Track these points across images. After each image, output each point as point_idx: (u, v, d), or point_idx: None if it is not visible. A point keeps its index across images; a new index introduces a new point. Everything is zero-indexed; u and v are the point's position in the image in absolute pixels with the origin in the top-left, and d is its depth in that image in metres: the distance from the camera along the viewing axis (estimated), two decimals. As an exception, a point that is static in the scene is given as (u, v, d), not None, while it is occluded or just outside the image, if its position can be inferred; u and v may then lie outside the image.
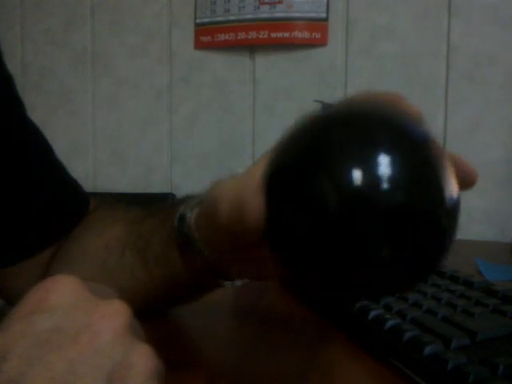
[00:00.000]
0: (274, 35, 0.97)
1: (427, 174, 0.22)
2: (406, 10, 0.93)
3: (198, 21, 1.03)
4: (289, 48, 0.99)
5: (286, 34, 0.97)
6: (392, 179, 0.21)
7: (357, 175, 0.21)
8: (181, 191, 1.02)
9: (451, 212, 0.23)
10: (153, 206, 0.42)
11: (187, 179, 1.05)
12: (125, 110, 1.09)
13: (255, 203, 0.25)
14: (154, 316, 0.44)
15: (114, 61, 1.09)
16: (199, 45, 1.04)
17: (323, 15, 0.96)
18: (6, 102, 0.46)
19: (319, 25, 0.96)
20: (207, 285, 0.40)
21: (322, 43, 0.97)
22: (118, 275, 0.41)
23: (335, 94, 0.96)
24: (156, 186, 1.06)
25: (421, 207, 0.22)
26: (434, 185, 0.22)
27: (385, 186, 0.21)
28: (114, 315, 0.22)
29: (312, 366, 0.35)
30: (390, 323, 0.37)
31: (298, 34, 0.97)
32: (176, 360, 0.35)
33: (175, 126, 1.07)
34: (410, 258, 0.22)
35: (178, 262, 0.37)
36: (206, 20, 1.02)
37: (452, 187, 0.23)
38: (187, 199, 0.38)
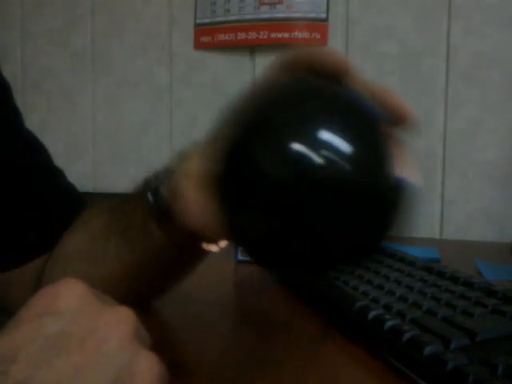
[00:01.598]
0: (273, 35, 0.97)
1: (367, 151, 0.23)
2: (405, 11, 0.93)
3: (198, 21, 1.03)
4: (289, 48, 0.99)
5: (286, 35, 0.97)
6: (332, 154, 0.22)
7: (295, 150, 0.22)
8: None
9: (391, 188, 0.23)
10: (133, 189, 0.43)
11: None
12: (125, 110, 1.09)
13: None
14: (152, 315, 0.45)
15: (114, 61, 1.09)
16: (199, 45, 1.04)
17: (323, 15, 0.96)
18: (3, 110, 0.47)
19: (319, 25, 0.96)
20: (192, 253, 0.40)
21: (321, 43, 0.97)
22: (104, 261, 0.41)
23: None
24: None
25: (360, 183, 0.22)
26: (372, 160, 0.23)
27: (325, 160, 0.22)
28: (120, 322, 0.22)
29: (312, 365, 0.35)
30: (389, 323, 0.37)
31: (297, 35, 0.97)
32: (176, 360, 0.35)
33: (175, 126, 1.07)
34: (351, 229, 0.23)
35: (160, 235, 0.38)
36: (206, 20, 1.02)
37: (394, 165, 0.23)
38: (158, 173, 0.39)
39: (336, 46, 0.97)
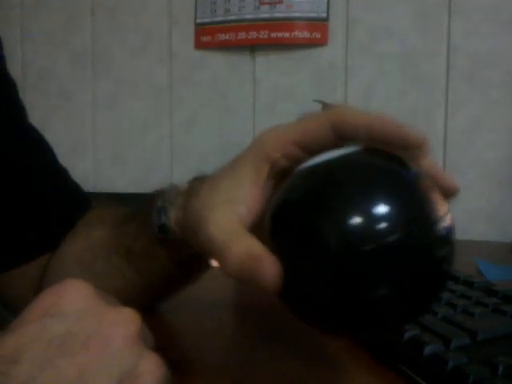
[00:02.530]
0: (274, 35, 0.97)
1: (419, 214, 0.24)
2: (406, 10, 0.93)
3: (198, 21, 1.03)
4: (289, 48, 0.99)
5: (287, 34, 0.97)
6: (386, 222, 0.23)
7: (355, 221, 0.23)
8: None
9: (445, 242, 0.25)
10: (136, 205, 0.42)
11: (187, 179, 1.05)
12: (125, 110, 1.09)
13: (268, 270, 0.24)
14: (155, 315, 0.44)
15: (113, 61, 1.09)
16: (199, 45, 1.04)
17: (323, 15, 0.96)
18: (8, 108, 0.47)
19: (319, 25, 0.96)
20: (197, 268, 0.40)
21: (322, 43, 0.97)
22: (108, 278, 0.41)
23: (335, 94, 0.96)
24: (156, 186, 1.06)
25: (416, 244, 0.23)
26: (425, 222, 0.24)
27: (380, 228, 0.23)
28: (124, 323, 0.22)
29: (311, 365, 0.35)
30: (390, 323, 0.36)
31: (298, 34, 0.97)
32: (177, 359, 0.35)
33: (175, 125, 1.07)
34: (412, 291, 0.24)
35: (164, 257, 0.38)
36: (206, 20, 1.02)
37: (443, 218, 0.24)
38: (163, 194, 0.38)
39: (336, 45, 0.97)
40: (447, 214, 0.25)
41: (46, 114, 1.11)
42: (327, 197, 0.24)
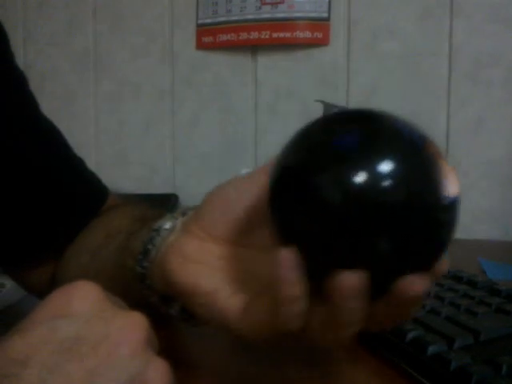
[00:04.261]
0: (275, 35, 0.97)
1: (423, 173, 0.24)
2: (407, 10, 0.93)
3: (199, 21, 1.03)
4: (290, 48, 0.99)
5: (288, 34, 0.97)
6: (389, 178, 0.23)
7: (358, 176, 0.23)
8: (184, 192, 1.02)
9: (448, 208, 0.24)
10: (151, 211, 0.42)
11: (190, 180, 1.05)
12: (127, 111, 1.09)
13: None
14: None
15: (115, 62, 1.09)
16: (201, 45, 1.04)
17: (325, 15, 0.96)
18: (19, 99, 0.46)
19: (321, 25, 0.96)
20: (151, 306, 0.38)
21: (323, 43, 0.97)
22: (109, 260, 0.40)
23: (337, 94, 0.96)
24: (159, 186, 1.06)
25: (416, 204, 0.23)
26: (430, 183, 0.24)
27: (382, 184, 0.23)
28: (132, 327, 0.22)
29: (314, 365, 0.35)
30: (393, 323, 0.36)
31: (299, 34, 0.97)
32: (181, 363, 0.35)
33: (177, 126, 1.07)
34: (408, 251, 0.24)
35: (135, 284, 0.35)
36: (208, 20, 1.02)
37: (448, 183, 0.24)
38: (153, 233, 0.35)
39: (338, 45, 0.97)
40: (452, 181, 0.24)
41: (49, 116, 1.11)
42: (327, 152, 0.24)
